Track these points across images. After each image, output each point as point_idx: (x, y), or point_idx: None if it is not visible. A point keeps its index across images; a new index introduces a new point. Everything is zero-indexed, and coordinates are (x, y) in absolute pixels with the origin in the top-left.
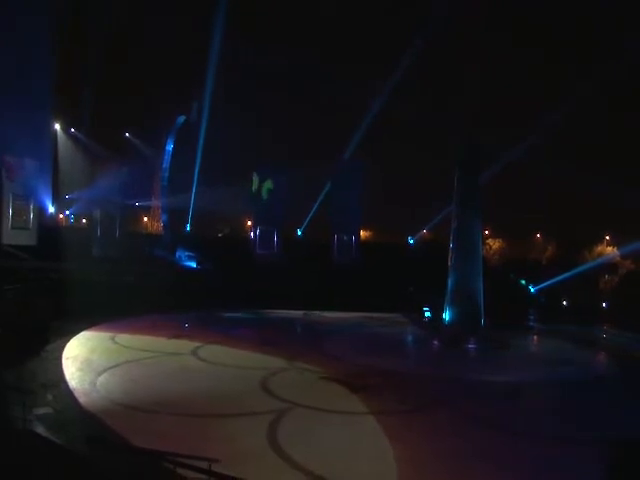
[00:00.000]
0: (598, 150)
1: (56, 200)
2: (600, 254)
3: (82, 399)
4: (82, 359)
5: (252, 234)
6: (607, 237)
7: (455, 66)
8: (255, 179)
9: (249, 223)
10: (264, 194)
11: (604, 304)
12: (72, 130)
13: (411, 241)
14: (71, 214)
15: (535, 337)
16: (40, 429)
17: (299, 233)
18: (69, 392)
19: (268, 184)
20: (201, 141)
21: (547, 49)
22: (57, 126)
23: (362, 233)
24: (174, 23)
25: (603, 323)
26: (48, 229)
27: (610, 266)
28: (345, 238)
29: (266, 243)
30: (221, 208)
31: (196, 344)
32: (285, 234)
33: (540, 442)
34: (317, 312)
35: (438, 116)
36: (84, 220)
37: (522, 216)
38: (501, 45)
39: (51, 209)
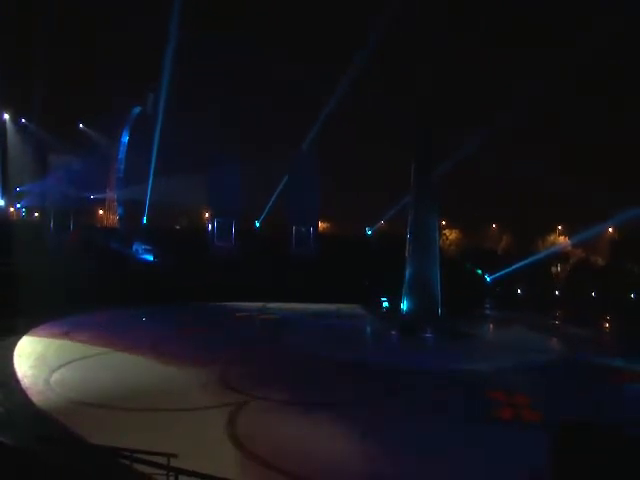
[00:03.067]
0: (552, 144)
1: (6, 193)
2: (553, 244)
3: (35, 397)
4: (35, 356)
5: (210, 226)
6: (559, 227)
7: (409, 64)
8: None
9: (207, 215)
10: None
11: (556, 292)
12: (23, 121)
13: (369, 232)
14: (22, 207)
15: (491, 325)
16: None
17: (257, 225)
18: (21, 390)
19: None
20: (157, 133)
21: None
22: (6, 116)
23: (320, 224)
24: (130, 12)
25: (556, 310)
26: None
27: (562, 255)
28: (303, 230)
29: (224, 235)
30: (178, 200)
31: (152, 339)
32: (243, 226)
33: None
34: (275, 303)
35: (395, 109)
36: (36, 214)
37: (478, 207)
38: (455, 44)
39: (1, 202)
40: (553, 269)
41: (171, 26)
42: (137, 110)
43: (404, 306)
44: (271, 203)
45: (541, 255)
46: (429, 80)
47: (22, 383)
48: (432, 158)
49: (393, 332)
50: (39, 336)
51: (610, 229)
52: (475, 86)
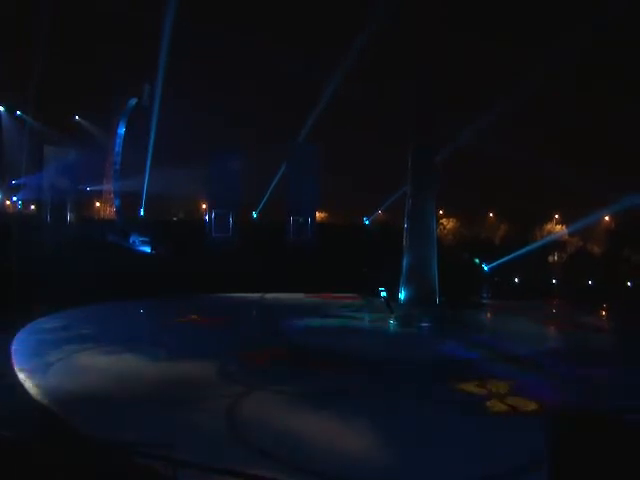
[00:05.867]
0: (549, 132)
1: (1, 186)
2: (550, 232)
3: (33, 391)
4: (33, 350)
5: (207, 217)
6: (557, 216)
7: (405, 56)
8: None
9: (204, 206)
10: None
11: (554, 280)
12: (18, 112)
13: (366, 222)
14: (19, 200)
15: (488, 314)
16: None
17: (254, 216)
18: (18, 384)
19: None
20: (154, 124)
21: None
22: (1, 108)
23: (318, 214)
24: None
25: (552, 298)
26: None
27: (559, 244)
28: (301, 220)
29: (221, 226)
30: (175, 191)
31: (151, 331)
32: (240, 217)
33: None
34: (272, 294)
35: (393, 98)
36: (33, 206)
37: (475, 195)
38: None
39: None
40: (550, 258)
41: (167, 16)
42: (133, 102)
43: (402, 296)
44: (268, 194)
45: (538, 244)
46: (429, 69)
47: (20, 376)
48: (430, 146)
49: (391, 322)
50: (37, 329)
51: (607, 217)
52: (474, 78)
